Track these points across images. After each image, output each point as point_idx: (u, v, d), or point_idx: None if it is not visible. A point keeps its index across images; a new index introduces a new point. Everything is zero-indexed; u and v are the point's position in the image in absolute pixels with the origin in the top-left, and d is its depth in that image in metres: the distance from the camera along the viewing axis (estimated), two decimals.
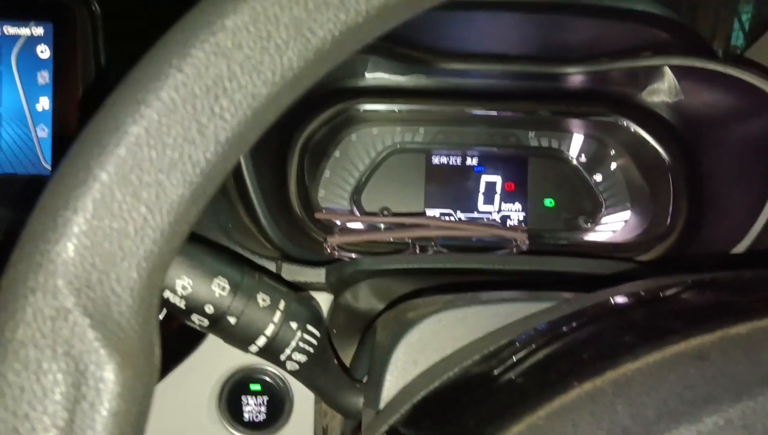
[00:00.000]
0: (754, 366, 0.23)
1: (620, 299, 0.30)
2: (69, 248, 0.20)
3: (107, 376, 0.20)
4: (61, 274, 0.20)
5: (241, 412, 0.49)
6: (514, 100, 0.70)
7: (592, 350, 0.26)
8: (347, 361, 0.51)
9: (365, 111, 0.69)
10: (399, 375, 0.35)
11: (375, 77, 0.66)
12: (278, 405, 0.50)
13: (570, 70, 0.61)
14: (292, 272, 0.51)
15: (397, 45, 0.58)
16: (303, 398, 0.51)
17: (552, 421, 0.23)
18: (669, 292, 0.30)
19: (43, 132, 0.53)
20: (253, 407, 0.49)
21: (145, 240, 0.21)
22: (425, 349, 0.36)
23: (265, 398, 0.49)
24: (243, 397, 0.49)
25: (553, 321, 0.30)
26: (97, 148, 0.21)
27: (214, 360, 0.50)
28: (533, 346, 0.28)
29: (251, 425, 0.51)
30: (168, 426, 0.50)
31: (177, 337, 0.47)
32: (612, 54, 0.61)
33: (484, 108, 0.70)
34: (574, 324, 0.29)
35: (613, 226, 0.71)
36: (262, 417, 0.51)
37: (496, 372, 0.28)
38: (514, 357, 0.28)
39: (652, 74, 0.63)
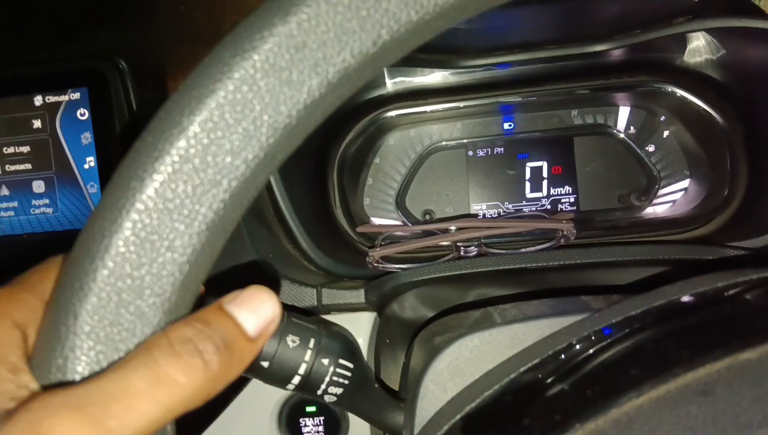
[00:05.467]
0: (760, 401, 0.22)
1: (629, 321, 0.29)
2: None
3: None
4: None
5: (301, 433, 0.52)
6: (550, 82, 0.67)
7: (597, 386, 0.26)
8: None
9: (398, 115, 0.69)
10: (429, 403, 0.36)
11: (396, 82, 0.65)
12: (334, 424, 0.52)
13: (599, 48, 0.58)
14: (333, 296, 0.52)
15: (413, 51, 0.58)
16: None
17: None
18: (682, 310, 0.29)
19: (93, 188, 0.57)
20: (311, 428, 0.51)
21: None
22: (453, 375, 0.36)
23: (322, 418, 0.51)
24: (301, 420, 0.51)
25: (558, 350, 0.30)
26: (87, 264, 0.23)
27: (269, 387, 0.52)
28: (540, 380, 0.28)
29: None
30: None
31: None
32: (644, 24, 0.58)
33: (520, 95, 0.68)
34: (580, 354, 0.29)
35: (671, 198, 0.68)
36: None
37: (508, 410, 0.28)
38: (520, 395, 0.28)
39: (690, 35, 0.59)
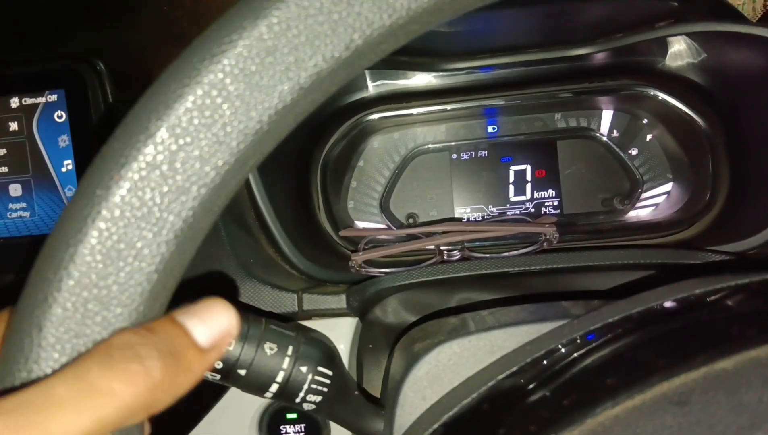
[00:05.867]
0: (735, 411, 0.22)
1: (607, 328, 0.29)
2: None
3: None
4: None
5: None
6: (533, 85, 0.67)
7: (573, 396, 0.25)
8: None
9: (381, 118, 0.69)
10: (408, 411, 0.36)
11: (378, 84, 0.65)
12: (316, 431, 0.51)
13: (581, 51, 0.58)
14: (314, 301, 0.51)
15: (394, 54, 0.57)
16: None
17: None
18: (660, 317, 0.28)
19: (71, 192, 0.56)
20: None
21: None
22: (432, 383, 0.36)
23: (303, 425, 0.51)
24: (282, 427, 0.51)
25: (535, 358, 0.29)
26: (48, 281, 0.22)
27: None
28: (516, 389, 0.28)
29: None
30: None
31: None
32: (627, 27, 0.58)
33: (503, 98, 0.68)
34: (557, 363, 0.28)
35: (654, 202, 0.68)
36: None
37: (485, 419, 0.28)
38: (496, 404, 0.28)
39: (672, 39, 0.59)
